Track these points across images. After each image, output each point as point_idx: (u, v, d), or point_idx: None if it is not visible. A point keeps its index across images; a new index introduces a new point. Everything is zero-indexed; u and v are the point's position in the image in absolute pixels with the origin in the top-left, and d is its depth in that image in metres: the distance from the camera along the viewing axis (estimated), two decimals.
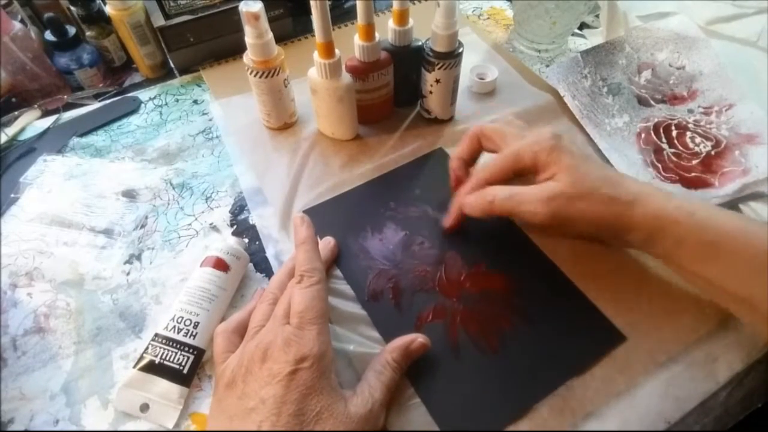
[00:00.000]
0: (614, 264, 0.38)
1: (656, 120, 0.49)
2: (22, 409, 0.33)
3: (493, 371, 0.33)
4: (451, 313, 0.36)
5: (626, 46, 0.52)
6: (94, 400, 0.34)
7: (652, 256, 0.36)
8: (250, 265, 0.41)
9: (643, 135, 0.48)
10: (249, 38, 0.42)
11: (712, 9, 0.52)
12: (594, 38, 0.61)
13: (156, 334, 0.35)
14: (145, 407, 0.33)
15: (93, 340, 0.36)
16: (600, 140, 0.47)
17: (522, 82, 0.55)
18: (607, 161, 0.46)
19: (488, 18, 0.66)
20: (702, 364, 0.34)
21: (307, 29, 0.62)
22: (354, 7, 0.55)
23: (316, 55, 0.42)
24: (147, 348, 0.34)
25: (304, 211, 0.43)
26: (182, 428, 0.33)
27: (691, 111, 0.49)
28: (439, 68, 0.45)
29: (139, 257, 0.41)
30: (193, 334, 0.35)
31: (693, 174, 0.45)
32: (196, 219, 0.44)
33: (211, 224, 0.44)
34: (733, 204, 0.42)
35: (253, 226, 0.43)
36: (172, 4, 0.54)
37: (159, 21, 0.54)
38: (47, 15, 0.53)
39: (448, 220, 0.41)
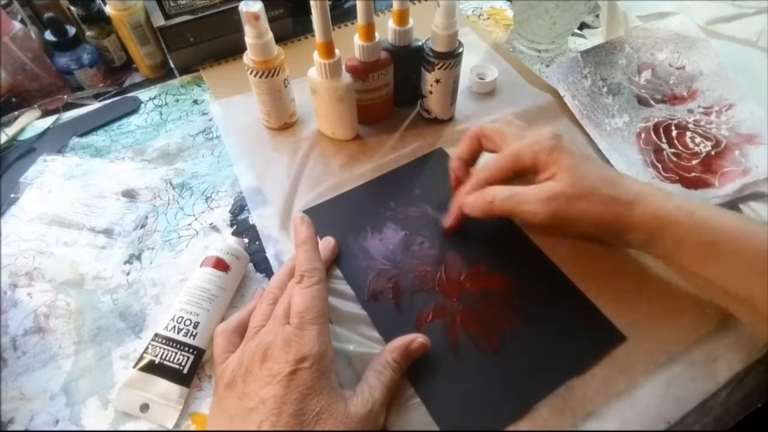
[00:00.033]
0: (614, 264, 0.38)
1: (656, 120, 0.49)
2: (22, 409, 0.33)
3: (493, 371, 0.33)
4: (451, 313, 0.36)
5: (626, 46, 0.52)
6: (94, 400, 0.34)
7: (652, 256, 0.36)
8: (250, 265, 0.41)
9: (643, 135, 0.48)
10: (249, 38, 0.42)
11: (712, 9, 0.52)
12: (594, 38, 0.61)
13: (156, 334, 0.35)
14: (145, 407, 0.33)
15: (93, 340, 0.36)
16: (600, 140, 0.47)
17: (522, 82, 0.55)
18: (607, 161, 0.46)
19: (488, 18, 0.66)
20: (702, 364, 0.34)
21: (307, 29, 0.62)
22: (354, 7, 0.55)
23: (316, 55, 0.42)
24: (147, 348, 0.34)
25: (304, 211, 0.43)
26: (182, 428, 0.33)
27: (691, 111, 0.49)
28: (439, 68, 0.45)
29: (139, 257, 0.41)
30: (193, 334, 0.35)
31: (693, 174, 0.45)
32: (196, 219, 0.44)
33: (211, 224, 0.44)
34: (733, 204, 0.42)
35: (253, 226, 0.43)
36: (172, 4, 0.54)
37: (159, 21, 0.54)
38: (47, 15, 0.53)
39: (448, 220, 0.41)
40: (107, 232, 0.43)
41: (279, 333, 0.29)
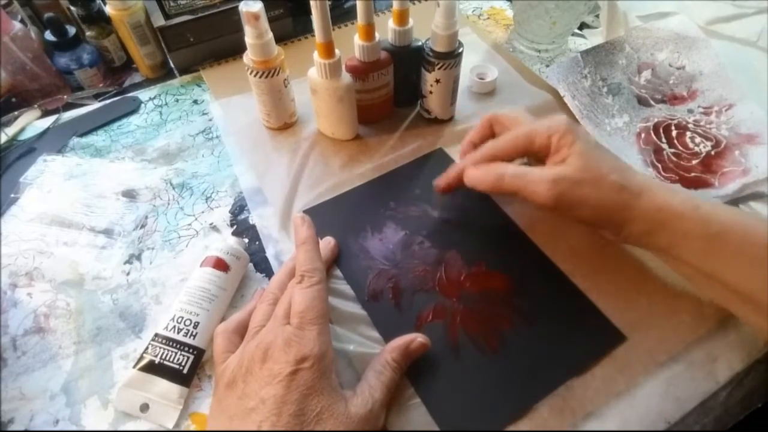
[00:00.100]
0: (614, 264, 0.39)
1: (656, 120, 0.49)
2: (22, 409, 0.33)
3: (493, 371, 0.33)
4: (451, 313, 0.36)
5: (626, 46, 0.52)
6: (94, 400, 0.34)
7: (650, 252, 0.36)
8: (250, 265, 0.41)
9: (643, 135, 0.48)
10: (249, 38, 0.42)
11: (712, 9, 0.52)
12: (594, 38, 0.61)
13: (156, 334, 0.35)
14: (145, 407, 0.33)
15: (93, 340, 0.36)
16: (600, 140, 0.47)
17: (522, 82, 0.55)
18: None
19: (488, 18, 0.66)
20: (702, 364, 0.34)
21: (307, 29, 0.62)
22: (354, 7, 0.55)
23: (316, 55, 0.42)
24: (147, 348, 0.34)
25: (304, 211, 0.43)
26: (182, 428, 0.33)
27: (691, 111, 0.49)
28: (439, 68, 0.45)
29: (139, 257, 0.41)
30: (193, 334, 0.35)
31: (693, 174, 0.45)
32: (196, 219, 0.44)
33: (211, 224, 0.44)
34: (732, 204, 0.42)
35: (253, 226, 0.43)
36: (172, 4, 0.54)
37: (159, 21, 0.54)
38: (47, 15, 0.53)
39: (442, 180, 0.41)
40: (107, 232, 0.43)
41: (279, 333, 0.29)
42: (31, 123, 0.53)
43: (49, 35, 0.54)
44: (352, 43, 0.44)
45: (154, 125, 0.53)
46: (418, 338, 0.33)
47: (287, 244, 0.41)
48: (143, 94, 0.56)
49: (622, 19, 0.57)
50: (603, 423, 0.32)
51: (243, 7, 0.40)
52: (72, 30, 0.54)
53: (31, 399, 0.34)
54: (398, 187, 0.45)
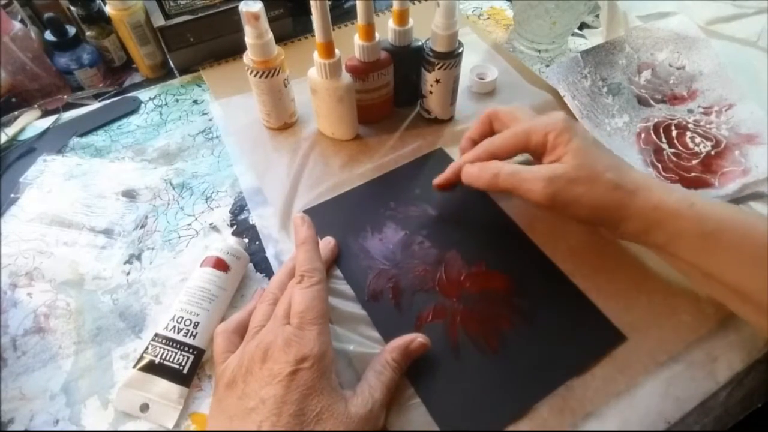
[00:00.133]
0: (614, 264, 0.39)
1: (656, 120, 0.49)
2: (22, 409, 0.33)
3: (493, 371, 0.33)
4: (451, 313, 0.36)
5: (626, 46, 0.52)
6: (94, 400, 0.34)
7: (646, 248, 0.36)
8: (250, 265, 0.41)
9: (643, 135, 0.48)
10: (249, 38, 0.42)
11: (712, 9, 0.52)
12: (594, 38, 0.61)
13: (156, 334, 0.35)
14: (145, 407, 0.33)
15: (93, 340, 0.36)
16: (600, 140, 0.47)
17: (522, 82, 0.55)
18: None
19: (488, 18, 0.66)
20: (702, 364, 0.34)
21: (307, 29, 0.62)
22: (354, 7, 0.55)
23: (316, 55, 0.42)
24: (147, 348, 0.34)
25: (304, 211, 0.43)
26: (182, 428, 0.33)
27: (691, 111, 0.49)
28: (439, 68, 0.45)
29: (139, 257, 0.41)
30: (193, 334, 0.35)
31: (693, 174, 0.45)
32: (196, 219, 0.44)
33: (211, 224, 0.44)
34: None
35: (253, 226, 0.43)
36: (172, 4, 0.54)
37: (159, 21, 0.54)
38: (47, 15, 0.53)
39: (440, 177, 0.41)
40: (107, 232, 0.43)
41: (279, 333, 0.29)
42: (31, 123, 0.53)
43: (49, 35, 0.54)
44: (352, 43, 0.44)
45: (154, 125, 0.53)
46: (418, 338, 0.33)
47: (287, 244, 0.41)
48: (143, 94, 0.56)
49: (622, 19, 0.57)
50: (603, 423, 0.32)
51: (243, 7, 0.40)
52: (72, 30, 0.54)
53: (31, 399, 0.34)
54: (398, 187, 0.45)
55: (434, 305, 0.37)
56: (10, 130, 0.51)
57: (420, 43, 0.46)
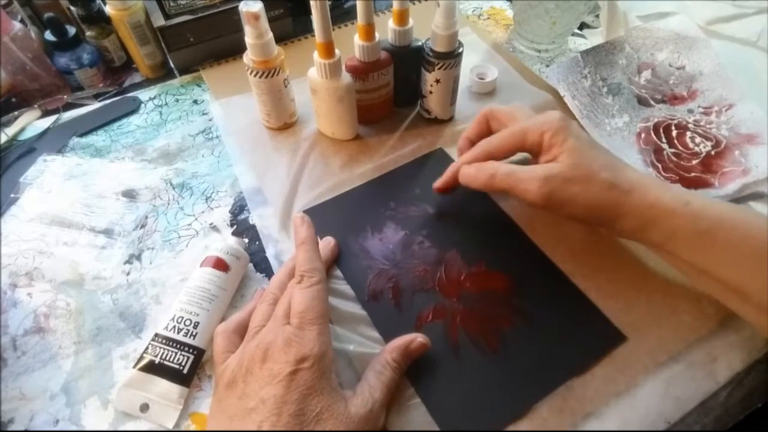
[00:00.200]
0: (614, 264, 0.39)
1: (656, 120, 0.49)
2: (22, 409, 0.33)
3: (493, 371, 0.33)
4: (451, 313, 0.36)
5: (626, 46, 0.52)
6: (94, 400, 0.34)
7: (644, 245, 0.36)
8: (250, 265, 0.41)
9: (643, 135, 0.48)
10: (249, 38, 0.42)
11: (712, 9, 0.52)
12: (594, 38, 0.61)
13: (156, 334, 0.35)
14: (145, 407, 0.33)
15: (93, 340, 0.36)
16: (600, 140, 0.47)
17: (522, 82, 0.55)
18: None
19: (488, 18, 0.66)
20: (702, 364, 0.34)
21: (307, 29, 0.62)
22: (354, 7, 0.55)
23: (316, 55, 0.42)
24: (147, 348, 0.34)
25: (304, 211, 0.43)
26: (182, 428, 0.33)
27: (691, 111, 0.49)
28: (439, 68, 0.45)
29: (139, 257, 0.41)
30: (193, 334, 0.35)
31: (693, 174, 0.45)
32: (196, 219, 0.44)
33: (211, 224, 0.44)
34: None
35: (253, 226, 0.43)
36: (172, 4, 0.54)
37: (159, 21, 0.54)
38: (47, 15, 0.53)
39: (439, 181, 0.41)
40: (107, 232, 0.43)
41: (279, 333, 0.29)
42: (31, 123, 0.53)
43: (49, 35, 0.54)
44: (352, 43, 0.44)
45: (154, 125, 0.53)
46: (418, 338, 0.33)
47: (287, 244, 0.41)
48: (143, 94, 0.56)
49: (622, 19, 0.57)
50: (603, 423, 0.32)
51: (243, 7, 0.40)
52: (72, 30, 0.54)
53: (31, 399, 0.34)
54: (398, 187, 0.45)
55: (434, 305, 0.37)
56: (10, 130, 0.51)
57: (420, 43, 0.46)
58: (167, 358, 0.34)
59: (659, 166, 0.46)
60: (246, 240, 0.42)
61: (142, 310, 0.38)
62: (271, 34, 0.43)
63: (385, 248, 0.40)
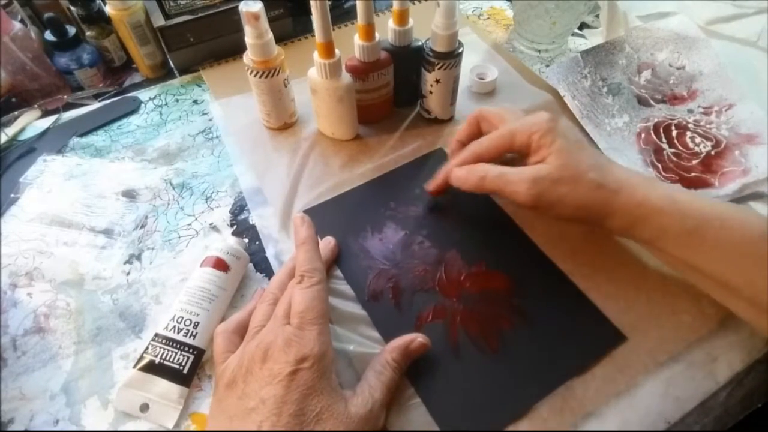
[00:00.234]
0: (614, 263, 0.39)
1: (656, 120, 0.49)
2: (22, 409, 0.33)
3: (493, 371, 0.33)
4: (451, 313, 0.36)
5: (626, 46, 0.52)
6: (94, 400, 0.34)
7: (635, 242, 0.36)
8: (250, 265, 0.41)
9: (643, 135, 0.48)
10: (249, 38, 0.42)
11: (712, 9, 0.52)
12: (594, 38, 0.61)
13: (156, 334, 0.35)
14: (145, 407, 0.33)
15: (93, 340, 0.36)
16: (600, 140, 0.47)
17: (522, 82, 0.55)
18: None
19: (488, 18, 0.66)
20: (702, 364, 0.34)
21: (307, 29, 0.62)
22: (354, 7, 0.55)
23: (316, 55, 0.42)
24: (147, 348, 0.34)
25: (305, 211, 0.43)
26: (182, 428, 0.33)
27: (691, 111, 0.49)
28: (439, 68, 0.45)
29: (139, 257, 0.41)
30: (193, 334, 0.35)
31: (693, 174, 0.45)
32: (196, 219, 0.44)
33: (211, 224, 0.44)
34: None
35: (253, 226, 0.43)
36: (172, 4, 0.54)
37: (159, 21, 0.54)
38: (47, 15, 0.53)
39: (431, 183, 0.41)
40: (107, 232, 0.43)
41: (279, 333, 0.29)
42: (31, 123, 0.53)
43: (49, 35, 0.54)
44: (352, 43, 0.44)
45: (154, 125, 0.53)
46: (418, 338, 0.33)
47: (287, 244, 0.41)
48: (143, 94, 0.56)
49: (622, 19, 0.57)
50: (603, 423, 0.32)
51: (243, 7, 0.40)
52: (72, 30, 0.54)
53: (31, 399, 0.34)
54: (398, 187, 0.45)
55: (434, 305, 0.37)
56: (10, 130, 0.51)
57: (420, 43, 0.46)
58: (167, 358, 0.34)
59: (659, 166, 0.46)
60: (246, 240, 0.42)
61: (142, 310, 0.38)
62: (271, 34, 0.43)
63: (385, 248, 0.40)
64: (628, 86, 0.51)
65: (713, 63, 0.50)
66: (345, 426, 0.27)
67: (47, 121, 0.53)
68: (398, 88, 0.49)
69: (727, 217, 0.31)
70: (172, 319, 0.35)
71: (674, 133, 0.48)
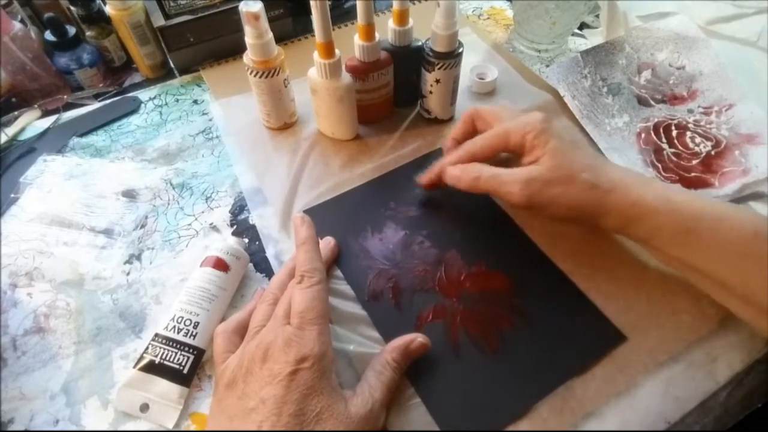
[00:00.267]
0: (614, 263, 0.39)
1: (656, 120, 0.49)
2: (22, 409, 0.33)
3: (493, 371, 0.33)
4: (451, 313, 0.36)
5: (626, 46, 0.52)
6: (94, 400, 0.34)
7: (630, 240, 0.36)
8: (250, 265, 0.41)
9: (643, 135, 0.48)
10: (249, 38, 0.42)
11: (712, 9, 0.52)
12: (594, 38, 0.61)
13: (156, 334, 0.35)
14: (145, 407, 0.33)
15: (93, 340, 0.36)
16: (600, 140, 0.47)
17: (522, 82, 0.55)
18: None
19: (488, 18, 0.66)
20: (702, 364, 0.34)
21: (307, 29, 0.62)
22: (354, 7, 0.55)
23: (316, 55, 0.42)
24: (147, 348, 0.34)
25: (305, 211, 0.43)
26: (182, 428, 0.33)
27: (691, 111, 0.49)
28: (439, 68, 0.45)
29: (139, 257, 0.41)
30: (193, 334, 0.35)
31: (693, 174, 0.45)
32: (196, 219, 0.44)
33: (211, 224, 0.44)
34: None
35: (253, 226, 0.43)
36: (172, 4, 0.54)
37: (159, 21, 0.54)
38: (47, 15, 0.53)
39: (423, 177, 0.42)
40: (107, 232, 0.43)
41: (279, 333, 0.29)
42: (31, 123, 0.53)
43: (49, 35, 0.54)
44: (352, 43, 0.44)
45: (154, 125, 0.53)
46: (418, 338, 0.33)
47: (287, 244, 0.41)
48: (143, 94, 0.56)
49: (622, 19, 0.57)
50: (603, 423, 0.32)
51: (243, 7, 0.40)
52: (72, 30, 0.54)
53: (31, 399, 0.34)
54: (398, 187, 0.45)
55: (434, 305, 0.37)
56: (10, 130, 0.51)
57: (420, 43, 0.46)
58: (167, 358, 0.34)
59: (659, 166, 0.46)
60: (246, 240, 0.42)
61: (142, 310, 0.38)
62: (271, 34, 0.43)
63: (385, 248, 0.40)
64: (628, 86, 0.51)
65: (713, 63, 0.50)
66: (345, 426, 0.27)
67: (47, 121, 0.53)
68: (398, 88, 0.49)
69: (723, 216, 0.31)
70: (172, 319, 0.35)
71: (674, 133, 0.48)
